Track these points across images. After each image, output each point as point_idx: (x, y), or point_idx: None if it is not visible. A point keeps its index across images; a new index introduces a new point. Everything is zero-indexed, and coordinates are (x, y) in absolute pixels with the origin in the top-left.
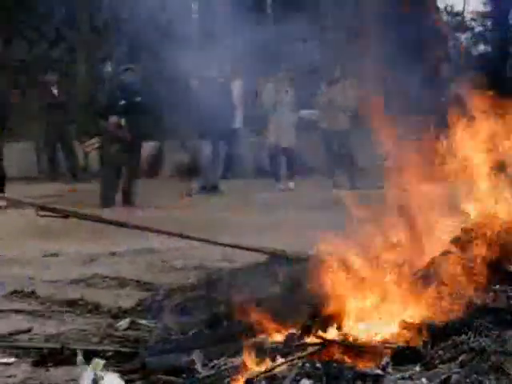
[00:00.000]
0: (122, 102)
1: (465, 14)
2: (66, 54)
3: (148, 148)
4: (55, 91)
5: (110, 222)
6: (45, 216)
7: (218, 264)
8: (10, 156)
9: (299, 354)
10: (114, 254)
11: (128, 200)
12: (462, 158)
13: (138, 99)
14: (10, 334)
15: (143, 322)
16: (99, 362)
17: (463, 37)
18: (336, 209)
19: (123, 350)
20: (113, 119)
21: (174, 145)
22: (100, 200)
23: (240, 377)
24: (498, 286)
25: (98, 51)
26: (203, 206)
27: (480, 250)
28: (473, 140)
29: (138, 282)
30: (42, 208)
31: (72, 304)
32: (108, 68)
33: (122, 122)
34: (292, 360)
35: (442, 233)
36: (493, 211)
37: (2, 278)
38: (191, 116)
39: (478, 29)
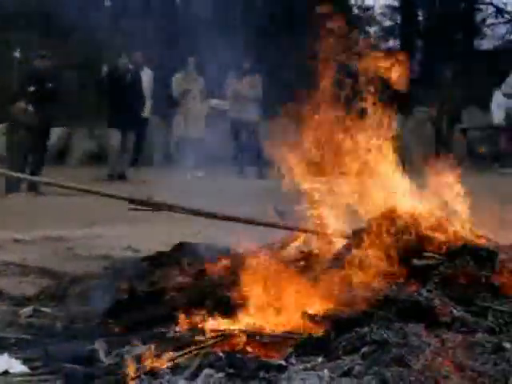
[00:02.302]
0: (32, 89)
1: (375, 9)
2: None
3: (56, 135)
4: None
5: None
6: None
7: (123, 253)
8: None
9: (202, 344)
10: (18, 241)
11: (33, 187)
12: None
13: (49, 86)
14: None
15: (47, 309)
16: None
17: (372, 31)
18: (243, 199)
19: (26, 337)
20: (20, 105)
21: (82, 132)
22: (5, 186)
23: (143, 366)
24: (401, 279)
25: (8, 37)
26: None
27: (385, 243)
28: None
29: (42, 269)
30: None
31: None
32: (17, 54)
33: (29, 107)
34: (195, 350)
35: (349, 224)
36: (401, 203)
37: None
38: (100, 103)
39: (388, 23)
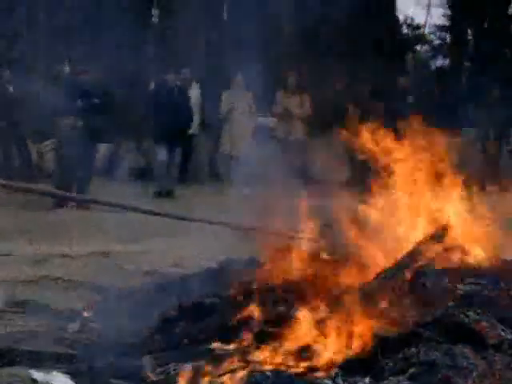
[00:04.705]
0: (79, 103)
1: (425, 28)
2: (24, 52)
3: (103, 150)
4: (11, 89)
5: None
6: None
7: (170, 269)
8: None
9: (250, 361)
10: (66, 255)
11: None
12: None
13: (96, 101)
14: None
15: (94, 324)
16: None
17: (422, 49)
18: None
19: (73, 352)
20: (68, 120)
21: (129, 147)
22: (54, 200)
23: (190, 382)
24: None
25: (56, 51)
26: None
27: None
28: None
29: (89, 284)
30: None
31: (22, 305)
32: (66, 68)
33: (78, 123)
34: (242, 367)
35: (395, 244)
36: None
37: None
38: (148, 119)
39: (437, 42)
